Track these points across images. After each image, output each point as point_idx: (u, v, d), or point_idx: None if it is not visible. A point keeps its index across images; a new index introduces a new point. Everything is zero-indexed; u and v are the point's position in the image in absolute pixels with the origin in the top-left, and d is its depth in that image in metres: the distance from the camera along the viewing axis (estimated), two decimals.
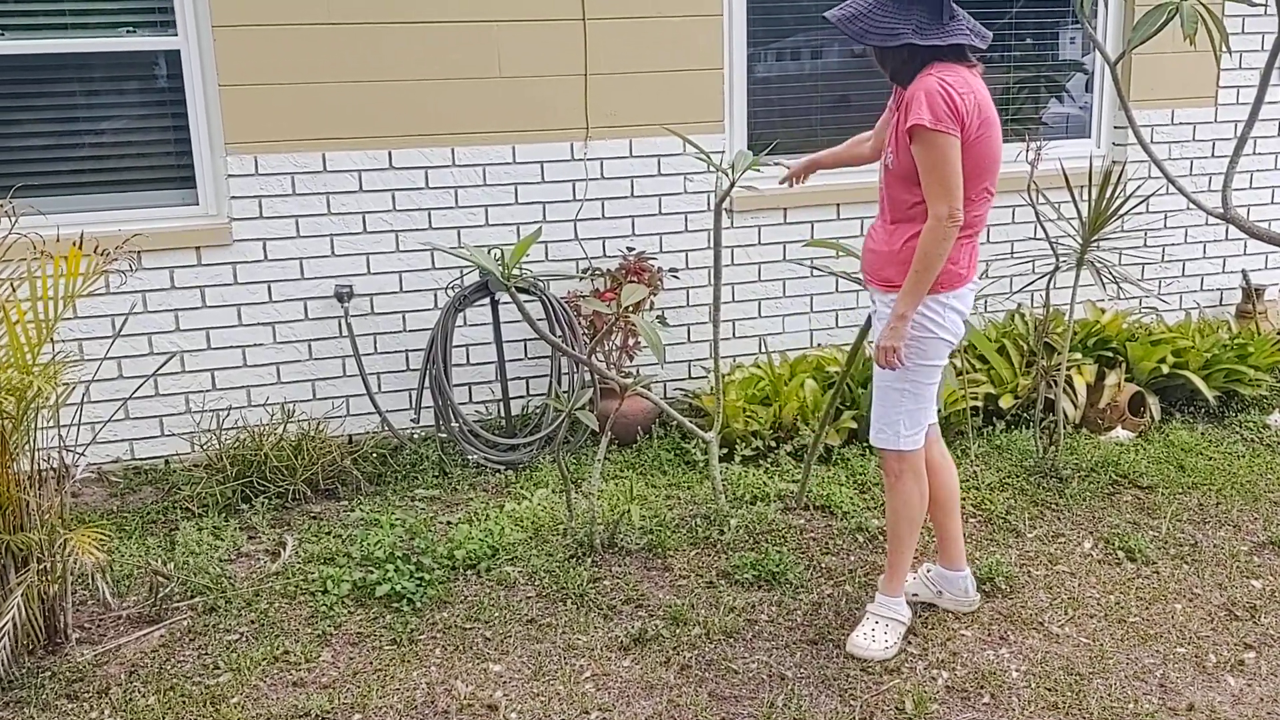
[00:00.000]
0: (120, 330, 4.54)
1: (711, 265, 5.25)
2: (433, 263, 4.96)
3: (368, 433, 4.98)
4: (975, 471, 4.51)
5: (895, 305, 3.08)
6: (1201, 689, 3.16)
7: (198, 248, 4.69)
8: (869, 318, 3.52)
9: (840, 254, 4.07)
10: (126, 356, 4.64)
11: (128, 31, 4.58)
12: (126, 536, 4.06)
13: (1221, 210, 5.15)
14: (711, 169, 3.91)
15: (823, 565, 3.83)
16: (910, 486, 3.29)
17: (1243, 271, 6.01)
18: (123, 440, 4.72)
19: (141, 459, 4.75)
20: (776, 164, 4.03)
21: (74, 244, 3.22)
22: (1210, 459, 4.69)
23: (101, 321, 4.58)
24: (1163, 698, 3.12)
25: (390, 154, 4.82)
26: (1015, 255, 5.60)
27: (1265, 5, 5.25)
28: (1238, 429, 5.01)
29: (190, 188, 4.73)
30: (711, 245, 5.22)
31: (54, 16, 4.47)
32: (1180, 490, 4.40)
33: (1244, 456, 4.72)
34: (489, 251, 4.26)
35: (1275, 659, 3.29)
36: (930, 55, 3.04)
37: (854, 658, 3.28)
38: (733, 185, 3.76)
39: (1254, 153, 5.92)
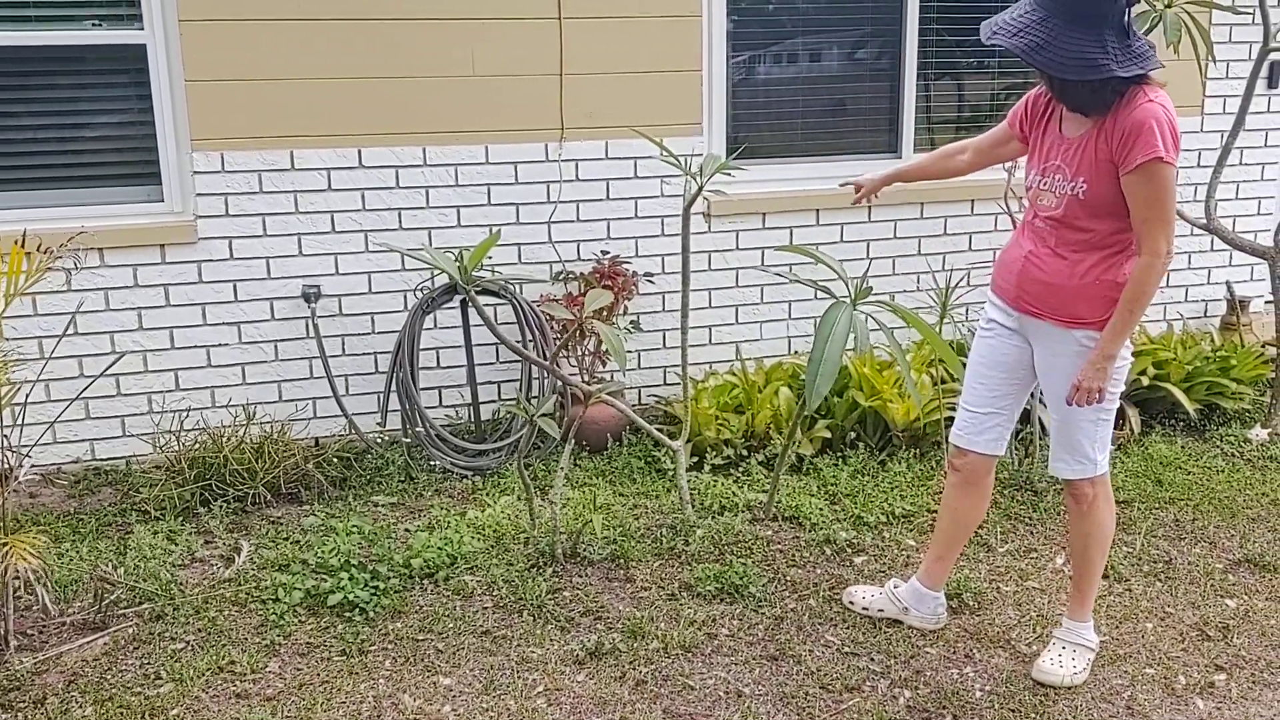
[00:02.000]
0: (70, 329, 4.44)
1: (692, 268, 5.19)
2: (403, 264, 4.87)
3: (334, 435, 4.89)
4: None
5: (1104, 345, 2.92)
6: (1169, 712, 3.08)
7: (162, 245, 4.60)
8: (978, 338, 3.32)
9: (816, 262, 3.98)
10: (88, 355, 4.55)
11: (93, 25, 4.50)
12: (80, 539, 3.98)
13: (1204, 221, 5.10)
14: (682, 171, 3.83)
15: (788, 578, 3.75)
16: (1103, 510, 3.19)
17: (1227, 283, 5.94)
18: (83, 440, 4.63)
19: (102, 459, 4.67)
20: (739, 169, 3.93)
21: (15, 242, 3.13)
22: (1189, 473, 4.61)
23: (62, 319, 4.49)
24: None
25: (360, 153, 4.74)
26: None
27: (1251, 14, 5.19)
28: (1218, 443, 4.93)
29: (155, 184, 4.64)
30: (693, 248, 5.16)
31: (17, 9, 4.38)
32: (1157, 505, 4.33)
33: (1223, 471, 4.64)
34: (458, 254, 4.19)
35: (1246, 681, 3.22)
36: (1129, 82, 2.83)
37: (1040, 684, 3.18)
38: (700, 189, 3.68)
39: (1240, 163, 5.86)
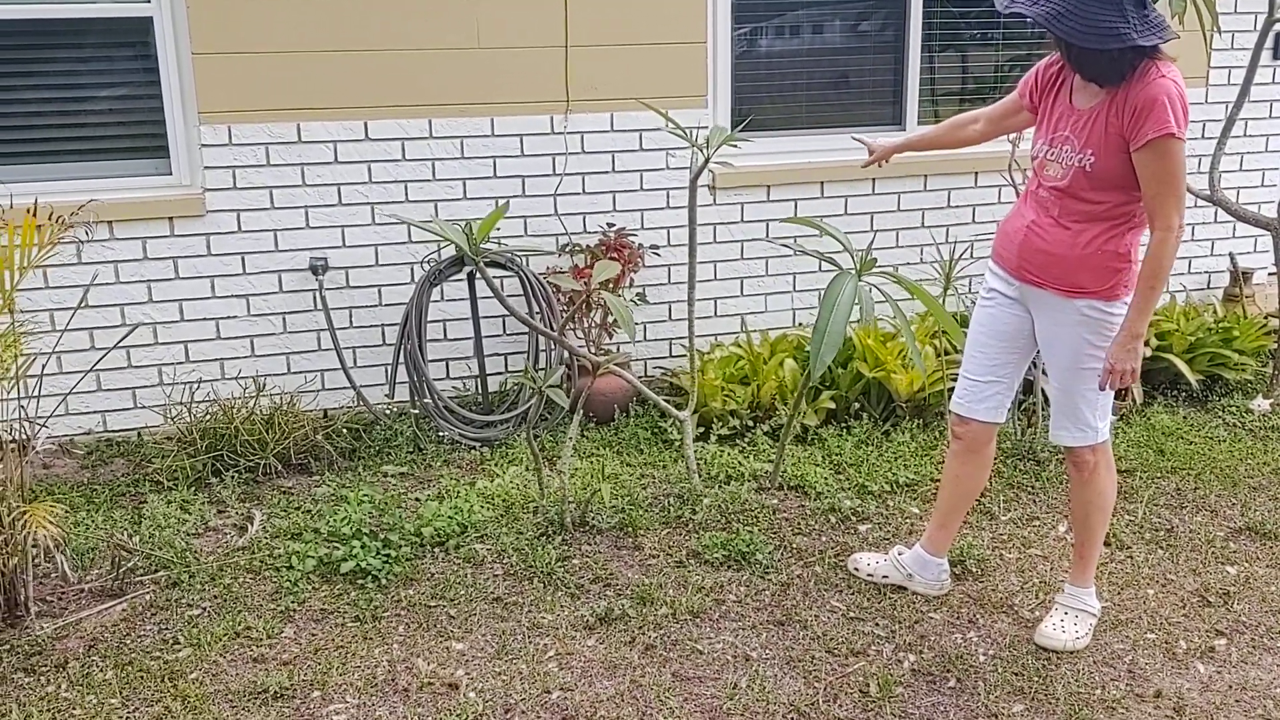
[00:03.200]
0: (84, 301, 4.48)
1: (697, 240, 5.22)
2: (409, 236, 4.90)
3: (342, 407, 4.93)
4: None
5: (1130, 325, 2.95)
6: (1170, 675, 3.13)
7: (171, 218, 4.63)
8: (979, 307, 3.35)
9: (822, 234, 4.00)
10: (99, 328, 4.59)
11: None
12: (94, 509, 4.02)
13: (1209, 192, 5.12)
14: (689, 143, 3.85)
15: (793, 546, 3.80)
16: (1105, 477, 3.23)
17: (1230, 255, 5.95)
18: (95, 412, 4.67)
19: (114, 431, 4.71)
20: (746, 140, 3.95)
21: (28, 212, 3.16)
22: (1190, 443, 4.65)
23: (73, 292, 4.52)
24: (1130, 684, 3.09)
25: (366, 125, 4.76)
26: None
27: None
28: (1220, 413, 4.97)
29: (164, 157, 4.66)
30: (698, 220, 5.18)
31: None
32: (1159, 474, 4.37)
33: (1225, 441, 4.68)
34: (464, 225, 4.22)
35: (1246, 646, 3.27)
36: (1145, 53, 2.84)
37: (1043, 648, 3.23)
38: (707, 161, 3.70)
39: (1244, 134, 5.86)
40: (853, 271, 3.56)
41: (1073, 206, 3.01)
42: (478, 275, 4.82)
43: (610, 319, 4.95)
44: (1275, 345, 5.21)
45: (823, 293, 3.52)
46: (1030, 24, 3.08)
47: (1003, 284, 3.24)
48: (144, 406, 4.72)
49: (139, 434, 4.72)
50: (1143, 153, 2.85)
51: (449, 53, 4.77)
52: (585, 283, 4.42)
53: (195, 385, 4.70)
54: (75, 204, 3.83)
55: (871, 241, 4.27)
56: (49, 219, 3.15)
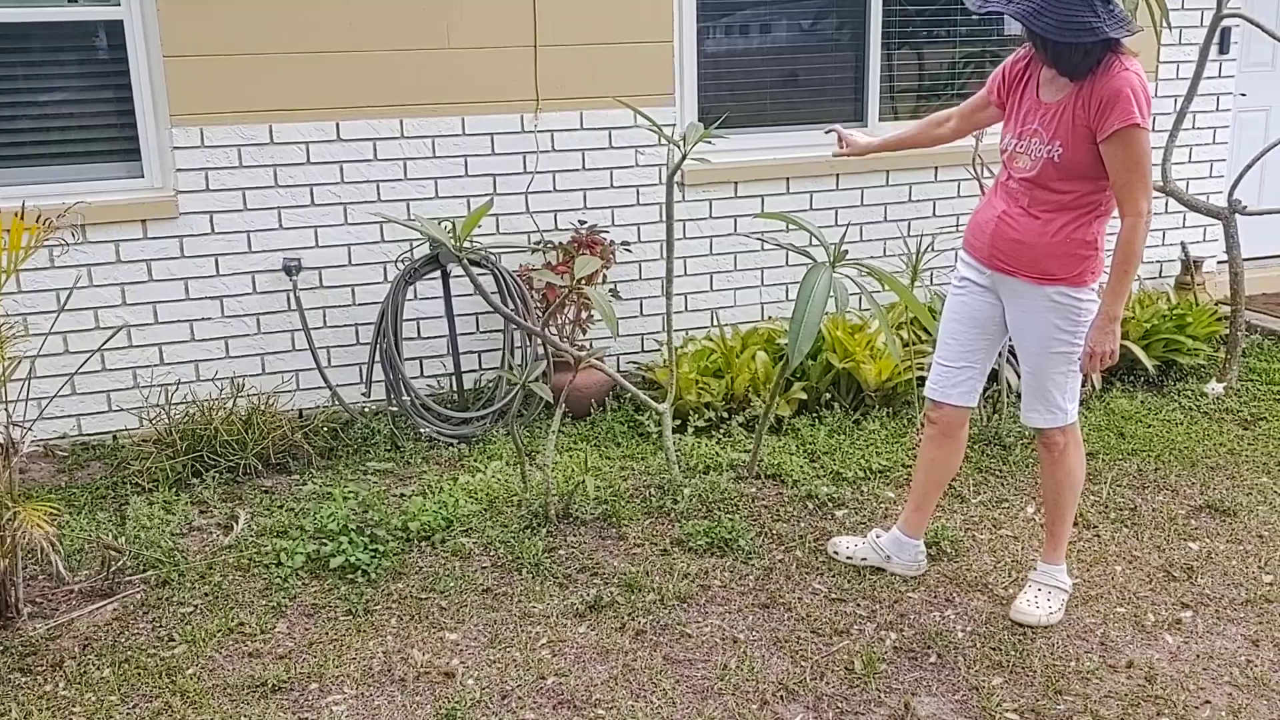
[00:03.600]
0: (65, 304, 4.47)
1: (663, 238, 5.29)
2: (382, 235, 4.93)
3: (318, 407, 4.95)
4: (920, 440, 4.58)
5: (1107, 308, 3.08)
6: (1140, 647, 3.26)
7: (144, 221, 4.62)
8: (951, 295, 3.45)
9: (790, 227, 4.10)
10: (72, 331, 4.58)
11: (69, 1, 4.50)
12: (76, 512, 4.03)
13: (1161, 184, 5.28)
14: (663, 141, 3.93)
15: (774, 532, 3.89)
16: (1074, 457, 3.35)
17: (1181, 244, 6.14)
18: (70, 416, 4.66)
19: (89, 435, 4.70)
20: (721, 137, 4.02)
21: (15, 215, 3.17)
22: (1149, 426, 4.81)
23: (46, 296, 4.51)
24: (1103, 655, 3.21)
25: (338, 126, 4.79)
26: (959, 229, 5.68)
27: None
28: (1176, 397, 5.14)
29: (135, 160, 4.66)
30: (663, 218, 5.26)
31: None
32: (1120, 456, 4.52)
33: (1182, 424, 4.85)
34: (440, 223, 4.27)
35: (1211, 618, 3.41)
36: (1110, 47, 2.96)
37: (1018, 624, 3.34)
38: (684, 157, 3.78)
39: (1193, 127, 6.05)
40: (827, 264, 3.66)
41: (1042, 196, 3.12)
42: (453, 273, 4.87)
43: (584, 315, 5.02)
44: (1227, 331, 5.39)
45: (799, 284, 3.61)
46: (988, 19, 3.20)
47: (974, 273, 3.35)
48: (119, 410, 4.71)
49: (114, 437, 4.71)
50: (1109, 143, 2.97)
51: (419, 53, 4.81)
52: (567, 278, 4.48)
53: (174, 387, 4.70)
54: (47, 207, 3.84)
55: (844, 234, 4.36)
56: (37, 221, 3.16)
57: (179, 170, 4.63)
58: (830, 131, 3.79)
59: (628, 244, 5.24)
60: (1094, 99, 2.97)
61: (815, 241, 3.87)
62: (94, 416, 4.70)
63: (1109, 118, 2.94)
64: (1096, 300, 3.18)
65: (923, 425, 3.57)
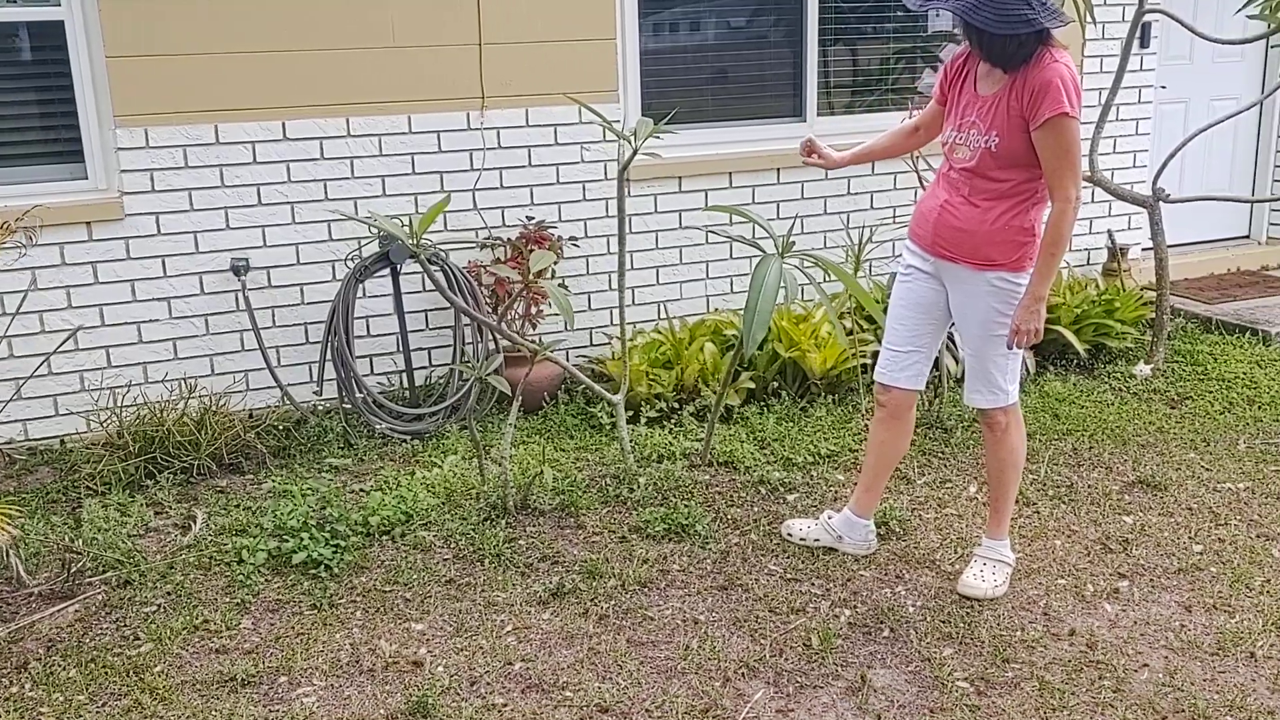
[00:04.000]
0: (20, 308, 4.43)
1: (611, 233, 5.38)
2: (330, 234, 4.95)
3: (269, 407, 4.95)
4: (866, 425, 4.72)
5: (1033, 288, 3.19)
6: (1081, 615, 3.41)
7: (88, 223, 4.59)
8: (895, 278, 3.57)
9: (733, 219, 4.19)
10: (17, 335, 4.53)
11: (8, 1, 4.45)
12: (30, 515, 3.99)
13: (1089, 173, 5.48)
14: (613, 137, 4.00)
15: (729, 517, 3.99)
16: (1015, 436, 3.48)
17: (1108, 232, 6.36)
18: (16, 421, 4.61)
19: (36, 439, 4.65)
20: (670, 133, 4.07)
21: None
22: (1082, 407, 5.00)
23: None
24: (1047, 625, 3.36)
25: (284, 125, 4.79)
26: (897, 220, 5.84)
27: None
28: (1107, 379, 5.34)
29: (79, 162, 4.63)
30: (612, 213, 5.34)
31: None
32: (1056, 436, 4.69)
33: (1113, 404, 5.04)
34: (409, 220, 4.30)
35: (1146, 587, 3.57)
36: (1042, 39, 3.09)
37: (965, 597, 3.46)
38: (635, 152, 3.86)
39: (1117, 119, 6.27)
40: (777, 255, 3.76)
41: (981, 185, 3.26)
42: (403, 271, 4.90)
43: (535, 310, 5.08)
44: (1153, 315, 5.60)
45: (750, 275, 3.71)
46: (920, 15, 3.33)
47: (919, 260, 3.47)
48: (67, 413, 4.68)
49: (62, 441, 4.67)
50: (1041, 131, 3.11)
51: (365, 52, 4.83)
52: (521, 273, 4.54)
53: (125, 389, 4.68)
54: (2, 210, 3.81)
55: (792, 226, 4.48)
56: None
57: (124, 171, 4.60)
58: (805, 143, 3.75)
59: (575, 239, 5.31)
60: (1026, 90, 3.11)
61: (763, 233, 3.98)
62: (41, 421, 4.66)
63: (1040, 107, 3.08)
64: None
65: (869, 410, 3.68)
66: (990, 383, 3.42)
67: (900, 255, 3.59)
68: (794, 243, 3.92)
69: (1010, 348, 3.32)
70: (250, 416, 4.85)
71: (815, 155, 3.73)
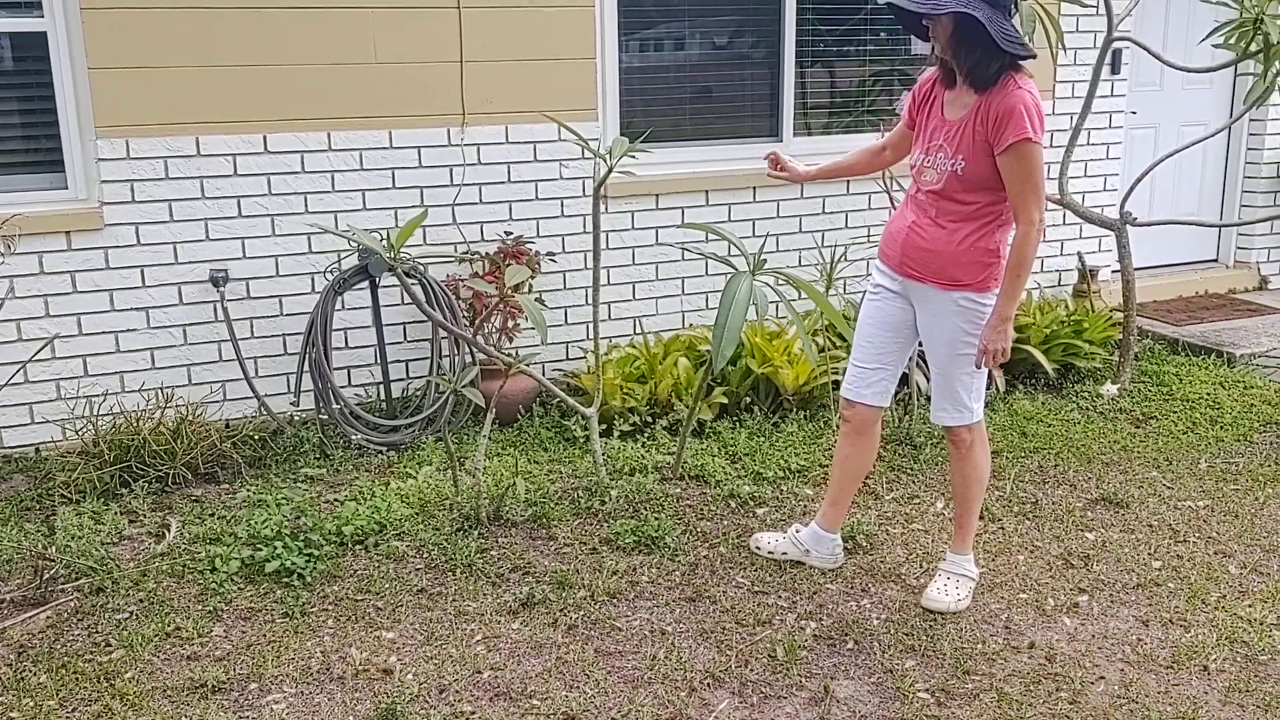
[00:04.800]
0: (5, 313, 4.46)
1: (587, 249, 5.44)
2: (310, 246, 4.99)
3: (245, 417, 4.98)
4: (835, 441, 4.78)
5: (1000, 309, 3.27)
6: (1041, 629, 3.48)
7: (68, 232, 4.63)
8: (867, 301, 3.62)
9: (711, 237, 4.26)
10: None
11: None
12: (2, 523, 4.01)
13: (1059, 196, 5.58)
14: (590, 155, 4.07)
15: (699, 530, 4.05)
16: (980, 453, 3.55)
17: (1078, 254, 6.47)
18: None
19: (10, 447, 4.67)
20: (645, 151, 4.15)
21: None
22: (1049, 425, 5.08)
23: None
24: (1007, 638, 3.42)
25: (265, 138, 4.84)
26: (870, 240, 5.92)
27: (1096, 6, 5.68)
28: (1074, 398, 5.43)
29: (59, 172, 4.66)
30: (588, 229, 5.41)
31: None
32: (1022, 454, 4.77)
33: (1080, 423, 5.12)
34: (385, 234, 4.34)
35: (1106, 601, 3.64)
36: (1009, 66, 3.19)
37: (929, 611, 3.52)
38: (610, 170, 3.92)
39: (1087, 143, 6.38)
40: (748, 272, 3.83)
41: (948, 207, 3.34)
42: (381, 284, 4.95)
43: (510, 324, 5.13)
44: (1120, 336, 5.70)
45: (721, 292, 3.78)
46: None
47: (888, 279, 3.55)
48: (42, 421, 4.70)
49: (37, 449, 4.70)
50: (1005, 156, 3.20)
51: (347, 67, 4.89)
52: (497, 287, 4.60)
53: (102, 398, 4.70)
54: None
55: (763, 244, 4.56)
56: None
57: (104, 182, 4.64)
58: (769, 156, 3.86)
59: (553, 254, 5.37)
60: (991, 115, 3.20)
61: (736, 251, 4.04)
62: (15, 429, 4.68)
63: (1005, 132, 3.17)
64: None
65: (839, 426, 3.75)
66: (956, 401, 3.49)
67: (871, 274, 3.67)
68: (765, 260, 4.00)
69: (978, 367, 3.39)
70: (227, 426, 4.87)
71: (780, 168, 3.80)
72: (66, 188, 4.68)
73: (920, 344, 3.61)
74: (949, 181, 3.31)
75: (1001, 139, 3.18)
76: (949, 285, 3.37)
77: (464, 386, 3.83)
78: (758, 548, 3.87)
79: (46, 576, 3.54)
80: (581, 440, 4.77)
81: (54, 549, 3.74)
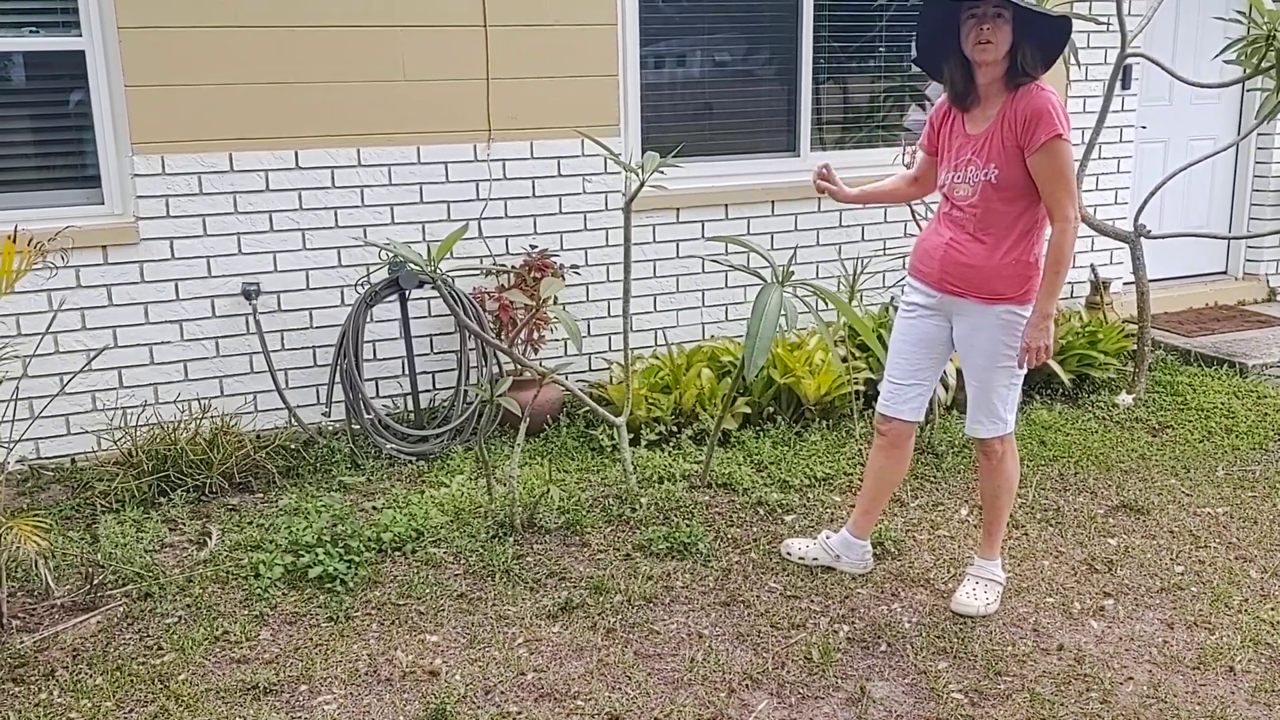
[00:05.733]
0: (49, 328, 4.55)
1: (610, 261, 5.54)
2: (339, 260, 5.08)
3: (276, 428, 5.06)
4: (860, 450, 4.88)
5: (1041, 306, 3.36)
6: (1069, 631, 3.55)
7: (104, 246, 4.72)
8: (900, 318, 3.69)
9: (729, 249, 4.34)
10: (34, 356, 4.63)
11: (30, 31, 4.59)
12: (45, 531, 4.08)
13: None
14: (614, 169, 4.16)
15: (729, 536, 4.13)
16: (1010, 463, 3.63)
17: (1091, 266, 6.56)
18: (28, 440, 4.69)
19: (47, 458, 4.75)
20: (675, 165, 4.24)
21: (9, 238, 3.28)
22: (1068, 435, 5.16)
23: (5, 321, 4.57)
24: (1036, 640, 3.50)
25: (297, 154, 4.94)
26: (888, 252, 6.02)
27: (1108, 23, 5.79)
28: (1090, 408, 5.51)
29: (96, 187, 4.75)
30: (612, 242, 5.51)
31: None
32: (1043, 462, 4.85)
33: (1097, 432, 5.21)
34: (426, 247, 4.43)
35: (1131, 605, 3.72)
36: (1033, 77, 3.34)
37: (958, 614, 3.60)
38: (642, 184, 4.02)
39: (1099, 157, 6.48)
40: (777, 283, 3.92)
41: (987, 221, 3.42)
42: (410, 296, 5.04)
43: (537, 335, 5.22)
44: (1134, 347, 5.78)
45: (753, 303, 3.87)
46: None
47: (923, 296, 3.62)
48: (78, 433, 4.78)
49: (72, 460, 4.77)
50: (1037, 156, 3.30)
51: (376, 85, 4.99)
52: (533, 297, 4.69)
53: (141, 409, 4.79)
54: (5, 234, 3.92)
55: (792, 256, 4.65)
56: (29, 244, 3.27)
57: (140, 197, 4.73)
58: (823, 166, 3.82)
59: (576, 268, 5.46)
60: (1019, 119, 3.31)
61: (760, 263, 4.13)
62: (52, 440, 4.76)
63: (1035, 132, 3.28)
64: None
65: (863, 435, 3.83)
66: (992, 413, 3.56)
67: (897, 286, 3.74)
68: (793, 272, 4.09)
69: (1021, 366, 3.46)
70: (258, 437, 4.95)
71: (829, 181, 3.80)
72: (103, 203, 4.77)
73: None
74: (984, 192, 3.40)
75: (1033, 140, 3.28)
76: (991, 299, 3.45)
77: (500, 395, 3.92)
78: (789, 554, 3.95)
79: (96, 582, 3.62)
80: (608, 450, 4.85)
81: (100, 556, 3.82)
